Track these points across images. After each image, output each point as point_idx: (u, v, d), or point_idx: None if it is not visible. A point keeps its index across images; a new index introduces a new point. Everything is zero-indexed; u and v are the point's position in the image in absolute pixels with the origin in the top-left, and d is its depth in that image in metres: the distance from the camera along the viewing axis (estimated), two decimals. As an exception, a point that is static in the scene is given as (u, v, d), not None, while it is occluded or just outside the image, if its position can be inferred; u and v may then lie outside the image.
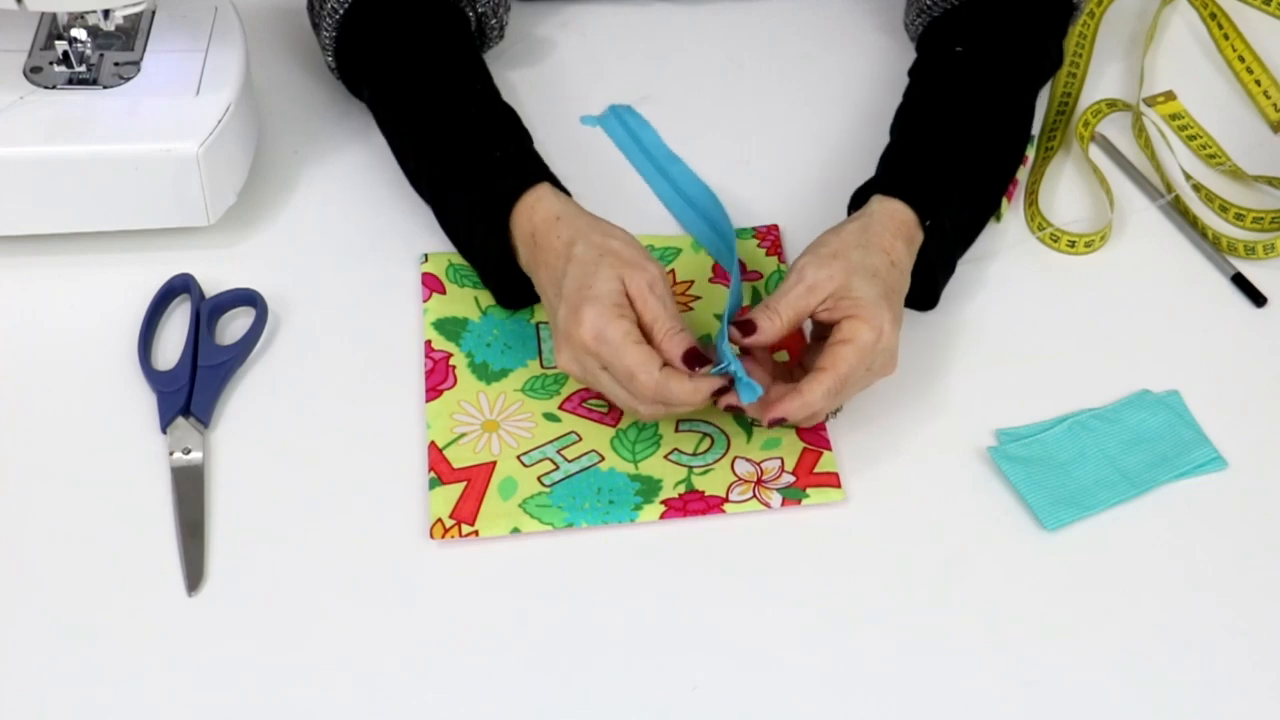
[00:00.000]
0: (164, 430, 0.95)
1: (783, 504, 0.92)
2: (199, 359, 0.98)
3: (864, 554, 0.91)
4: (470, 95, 1.03)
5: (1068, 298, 1.06)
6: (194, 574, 0.88)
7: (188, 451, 0.94)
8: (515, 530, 0.91)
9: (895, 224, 0.95)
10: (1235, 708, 0.85)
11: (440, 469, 0.93)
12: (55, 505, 0.91)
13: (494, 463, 0.94)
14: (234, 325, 1.02)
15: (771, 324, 0.91)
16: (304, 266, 1.05)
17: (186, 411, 0.95)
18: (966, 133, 1.03)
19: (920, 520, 0.93)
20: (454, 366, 0.99)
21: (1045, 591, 0.90)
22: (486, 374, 0.99)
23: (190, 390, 0.96)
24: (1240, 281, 1.07)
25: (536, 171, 0.98)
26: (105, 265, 1.04)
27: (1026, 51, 1.09)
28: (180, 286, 1.02)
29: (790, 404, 0.90)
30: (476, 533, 0.90)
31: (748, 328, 0.91)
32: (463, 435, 0.95)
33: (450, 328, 1.01)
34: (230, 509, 0.92)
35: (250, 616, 0.87)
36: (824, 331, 0.93)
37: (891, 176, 1.00)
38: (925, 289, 0.99)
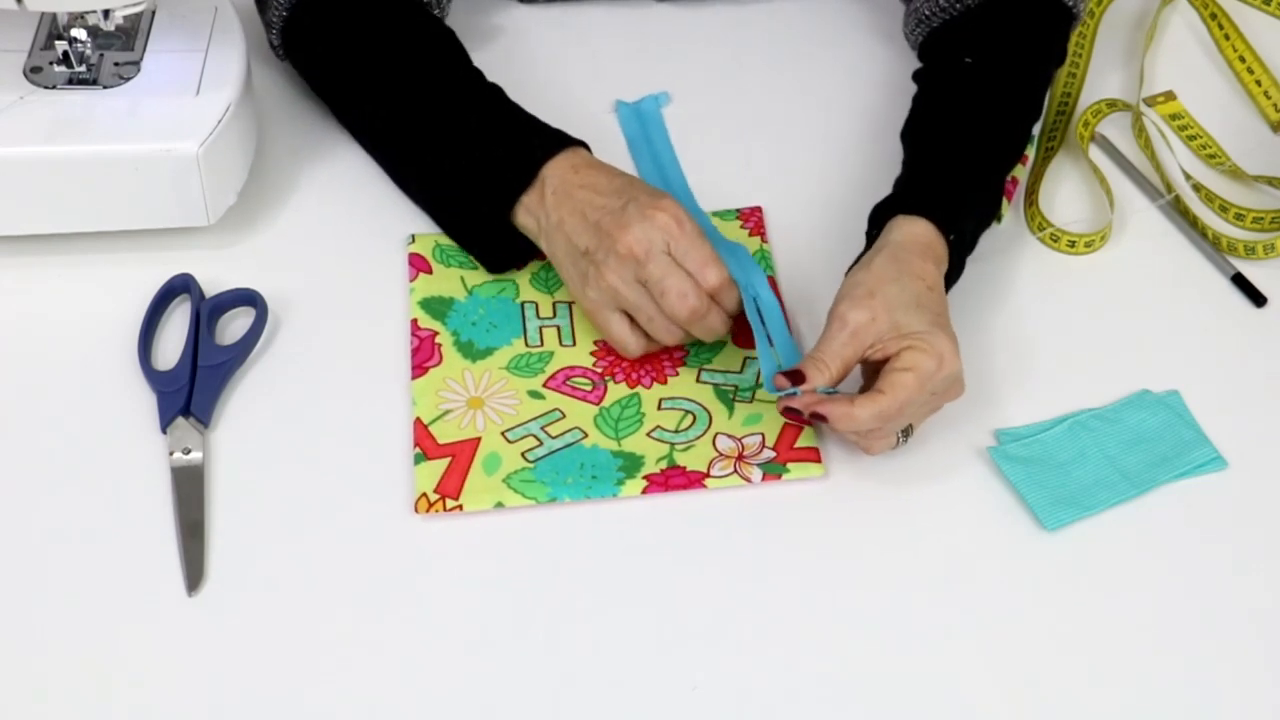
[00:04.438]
0: (164, 430, 0.95)
1: (763, 479, 0.93)
2: (199, 359, 0.98)
3: (864, 554, 0.91)
4: (465, 68, 1.06)
5: (1068, 298, 1.06)
6: (194, 574, 0.88)
7: (188, 451, 0.94)
8: (499, 504, 0.91)
9: (921, 247, 0.95)
10: (1236, 707, 0.85)
11: (425, 444, 0.94)
12: (55, 505, 0.91)
13: (478, 439, 0.94)
14: (234, 325, 1.02)
15: (821, 374, 0.91)
16: (304, 266, 1.05)
17: (186, 411, 0.95)
18: (983, 146, 1.03)
19: (920, 520, 0.93)
20: (440, 344, 0.99)
21: (1045, 591, 0.90)
22: (472, 352, 0.99)
23: (190, 390, 0.96)
24: (1240, 281, 1.07)
25: (574, 139, 1.02)
26: (105, 265, 1.04)
27: (1034, 58, 1.09)
28: (180, 286, 1.02)
29: (836, 408, 0.89)
30: (461, 507, 0.91)
31: (796, 377, 0.91)
32: (448, 412, 0.96)
33: (436, 306, 1.02)
34: (230, 509, 0.92)
35: (250, 616, 0.87)
36: (876, 367, 0.92)
37: (914, 195, 0.99)
38: None
